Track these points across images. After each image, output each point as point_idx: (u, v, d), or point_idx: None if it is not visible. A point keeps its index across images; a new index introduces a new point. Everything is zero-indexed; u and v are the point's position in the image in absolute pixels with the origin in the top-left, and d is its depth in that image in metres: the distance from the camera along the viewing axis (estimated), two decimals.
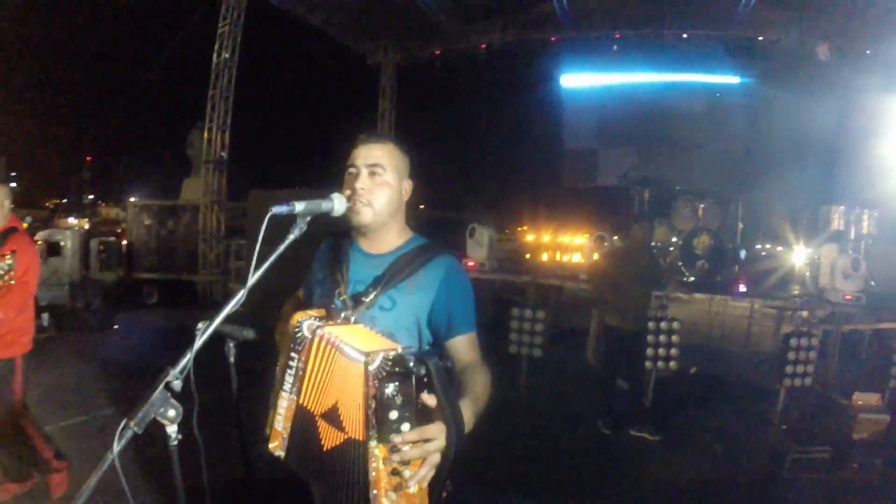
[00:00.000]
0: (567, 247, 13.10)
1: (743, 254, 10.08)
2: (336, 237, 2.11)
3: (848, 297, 7.23)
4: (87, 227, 18.15)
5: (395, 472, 1.45)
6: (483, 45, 15.05)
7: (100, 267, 13.01)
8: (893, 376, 6.39)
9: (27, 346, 3.79)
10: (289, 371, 1.68)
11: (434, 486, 1.52)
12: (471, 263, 8.58)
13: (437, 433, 1.45)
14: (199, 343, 1.44)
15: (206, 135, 13.18)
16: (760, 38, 12.93)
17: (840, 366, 7.54)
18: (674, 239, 8.79)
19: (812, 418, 6.28)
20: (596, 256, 8.35)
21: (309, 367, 1.63)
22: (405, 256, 1.97)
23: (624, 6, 13.23)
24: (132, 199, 17.26)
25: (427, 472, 1.46)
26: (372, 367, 1.45)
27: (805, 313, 7.16)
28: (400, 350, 1.49)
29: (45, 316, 9.49)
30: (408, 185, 2.06)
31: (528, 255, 13.78)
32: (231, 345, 1.86)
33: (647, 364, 6.49)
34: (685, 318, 7.36)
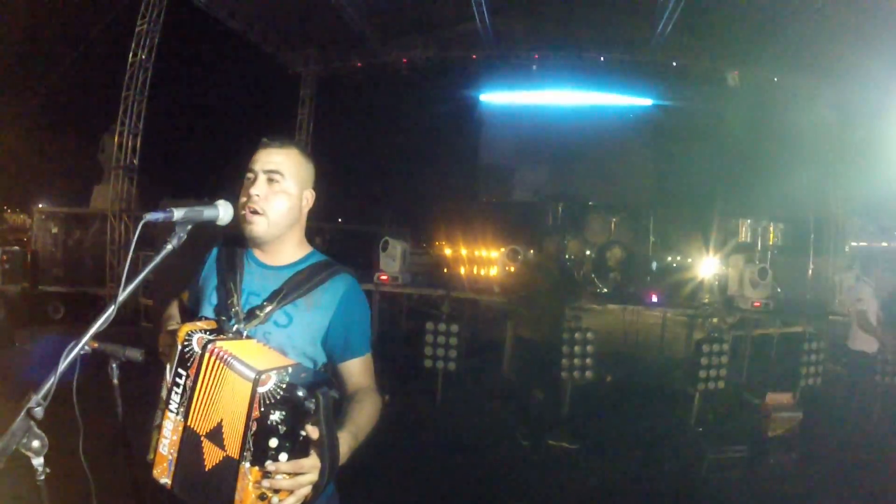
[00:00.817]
0: (484, 260, 13.21)
1: (654, 265, 10.41)
2: (229, 243, 1.98)
3: (757, 304, 7.60)
4: None
5: (262, 497, 1.41)
6: (405, 60, 15.05)
7: (2, 279, 12.23)
8: (803, 375, 6.76)
9: None
10: (175, 389, 1.55)
11: None
12: (384, 277, 8.51)
13: (311, 468, 1.43)
14: (63, 366, 1.33)
15: (116, 139, 12.57)
16: (674, 64, 13.47)
17: (752, 368, 7.89)
18: (587, 252, 9.01)
19: (727, 419, 6.54)
20: (510, 270, 8.43)
21: (198, 385, 1.51)
22: (304, 272, 1.88)
23: (545, 28, 13.46)
24: (39, 206, 16.28)
25: (295, 503, 1.43)
26: (261, 389, 1.40)
27: (716, 320, 7.47)
28: (291, 370, 1.45)
29: None
30: (309, 196, 1.95)
31: (445, 269, 13.83)
32: (114, 365, 1.75)
33: (563, 374, 6.60)
34: (600, 328, 7.54)
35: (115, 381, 1.75)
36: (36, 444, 1.24)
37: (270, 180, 1.83)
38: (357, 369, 1.89)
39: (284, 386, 1.39)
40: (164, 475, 1.55)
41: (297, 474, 1.40)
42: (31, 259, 13.07)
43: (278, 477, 1.39)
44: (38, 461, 1.26)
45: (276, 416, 1.38)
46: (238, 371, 1.45)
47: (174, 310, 2.10)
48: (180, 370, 1.54)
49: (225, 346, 1.52)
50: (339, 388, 1.82)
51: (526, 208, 15.40)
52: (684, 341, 9.07)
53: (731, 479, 5.31)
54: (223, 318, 1.74)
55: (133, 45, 12.34)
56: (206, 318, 1.79)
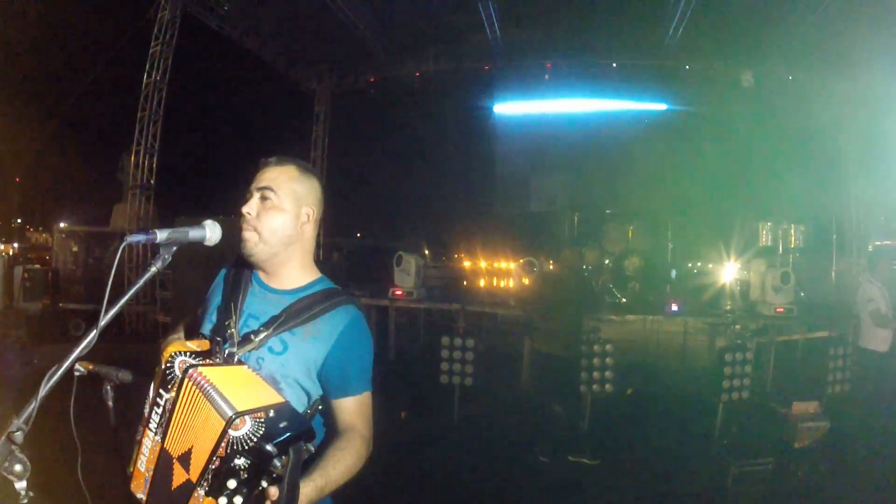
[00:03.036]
0: (502, 272, 13.13)
1: (674, 273, 10.24)
2: (239, 264, 1.92)
3: (780, 310, 7.42)
4: (11, 253, 17.32)
5: None
6: (417, 73, 15.11)
7: (24, 296, 12.36)
8: (829, 382, 6.58)
9: None
10: (156, 409, 1.52)
11: None
12: (398, 292, 8.47)
13: None
14: (44, 391, 1.29)
15: (133, 159, 12.69)
16: (687, 67, 13.36)
17: (776, 376, 7.70)
18: (605, 262, 8.88)
19: (752, 430, 6.36)
20: (526, 282, 8.33)
21: (176, 408, 1.47)
22: (306, 299, 1.82)
23: (556, 36, 13.45)
24: (60, 225, 16.50)
25: None
26: (233, 433, 1.36)
27: (738, 327, 7.29)
28: (273, 414, 1.42)
29: None
30: (310, 212, 1.86)
31: (464, 282, 13.77)
32: (108, 387, 1.71)
33: (582, 388, 6.48)
34: (619, 339, 7.40)
35: (110, 402, 1.72)
36: (18, 468, 1.22)
37: (263, 198, 1.79)
38: (351, 409, 1.79)
39: (255, 438, 1.35)
40: (139, 490, 1.53)
41: None
42: (52, 277, 13.22)
43: None
44: (20, 485, 1.23)
45: (240, 462, 1.35)
46: (215, 405, 1.40)
47: (181, 326, 2.04)
48: (161, 391, 1.51)
49: (206, 373, 1.47)
50: (328, 424, 1.81)
51: (542, 218, 15.32)
52: (706, 350, 8.93)
53: (758, 494, 5.15)
54: (218, 339, 1.70)
55: (147, 66, 12.49)
56: (202, 337, 1.77)
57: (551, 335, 5.94)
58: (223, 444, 1.35)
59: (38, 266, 13.81)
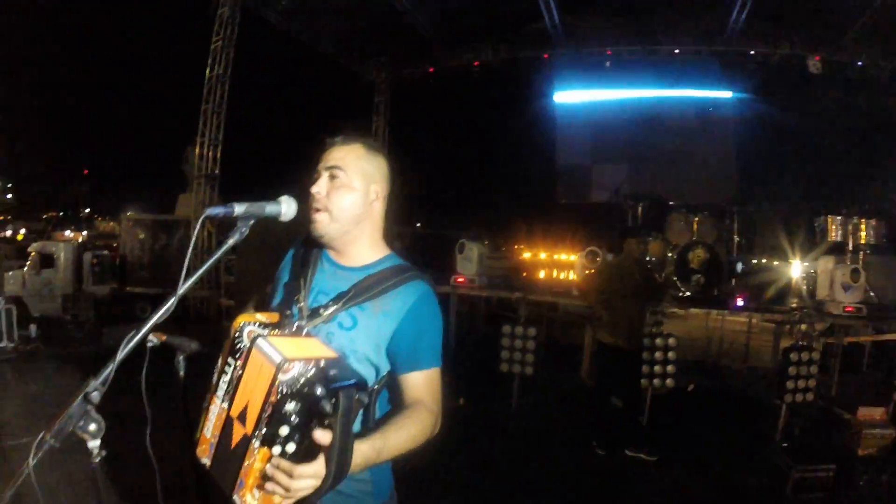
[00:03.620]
0: (562, 264, 12.99)
1: (739, 266, 9.92)
2: (308, 243, 1.91)
3: (848, 309, 7.10)
4: (81, 240, 18.14)
5: (265, 478, 1.38)
6: (476, 63, 15.03)
7: (93, 280, 12.90)
8: None
9: None
10: (224, 377, 1.54)
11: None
12: (460, 279, 8.45)
13: (312, 475, 1.36)
14: (122, 354, 1.32)
15: (197, 150, 13.05)
16: (752, 52, 12.89)
17: (842, 379, 7.40)
18: (669, 254, 8.66)
19: (814, 435, 6.13)
20: (589, 272, 8.19)
21: (245, 376, 1.48)
22: (376, 275, 1.80)
23: (616, 23, 13.21)
24: (127, 213, 17.14)
25: (294, 496, 1.38)
26: (282, 377, 1.35)
27: (804, 326, 7.00)
28: (323, 364, 1.40)
29: (33, 327, 9.51)
30: (378, 190, 1.86)
31: (524, 274, 13.68)
32: (180, 358, 1.76)
33: (643, 382, 6.34)
34: (681, 333, 7.22)
35: (181, 372, 1.77)
36: (92, 427, 1.25)
37: (332, 176, 1.79)
38: (419, 383, 1.75)
39: (303, 381, 1.36)
40: (205, 455, 1.54)
41: (296, 477, 1.35)
42: (119, 262, 13.73)
43: (277, 472, 1.35)
44: (93, 444, 1.27)
45: (290, 407, 1.36)
46: (266, 354, 1.42)
47: (250, 305, 2.07)
48: (230, 359, 1.53)
49: (273, 340, 1.48)
50: (396, 400, 1.78)
51: (605, 209, 15.07)
52: (770, 349, 8.65)
53: (818, 501, 4.94)
54: (287, 312, 1.73)
55: (209, 61, 12.85)
56: (270, 311, 1.76)
57: (614, 326, 5.81)
58: (274, 390, 1.36)
59: (106, 252, 14.37)
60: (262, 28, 13.65)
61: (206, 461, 1.53)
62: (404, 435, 1.62)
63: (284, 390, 1.35)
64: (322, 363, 1.42)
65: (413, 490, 1.91)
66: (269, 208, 1.60)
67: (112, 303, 12.53)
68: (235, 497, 1.41)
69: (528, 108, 17.74)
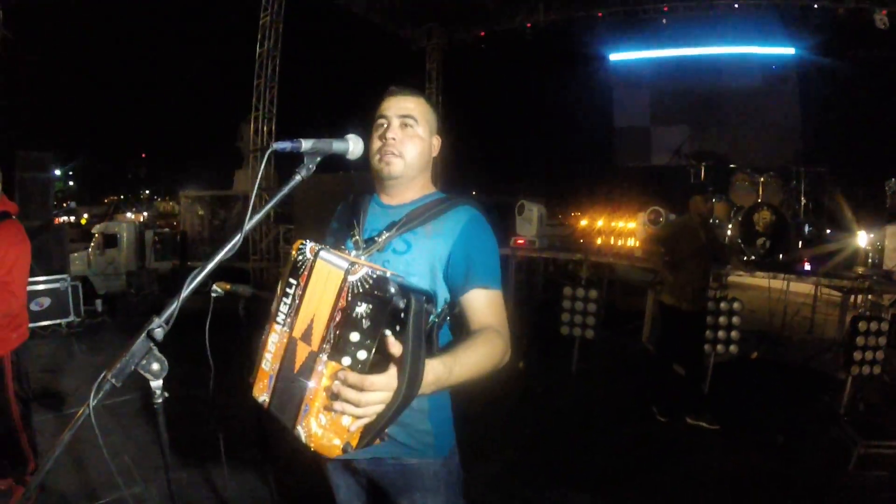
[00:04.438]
0: (620, 231, 12.75)
1: (806, 230, 9.51)
2: (356, 194, 2.03)
3: None
4: (142, 220, 18.81)
5: (333, 397, 1.31)
6: (528, 24, 14.68)
7: (155, 257, 13.35)
8: None
9: (15, 342, 3.49)
10: (284, 300, 1.51)
11: (369, 428, 1.35)
12: (520, 241, 8.37)
13: (384, 386, 1.29)
14: (186, 292, 1.30)
15: (252, 125, 13.19)
16: (815, 6, 12.20)
17: None
18: (732, 215, 8.36)
19: (880, 411, 5.86)
20: (651, 233, 7.98)
21: (307, 293, 1.45)
22: (426, 205, 1.87)
23: None
24: (186, 191, 17.61)
25: (364, 414, 1.31)
26: (351, 278, 1.33)
27: (872, 297, 6.64)
28: (390, 274, 1.33)
29: (99, 302, 10.04)
30: (437, 142, 1.97)
31: (581, 240, 13.50)
32: (243, 303, 1.86)
33: (707, 347, 6.18)
34: (745, 300, 6.97)
35: (242, 313, 1.88)
36: (155, 366, 1.25)
37: (404, 125, 1.86)
38: (481, 302, 1.71)
39: (375, 277, 1.32)
40: (263, 392, 1.51)
41: (367, 391, 1.29)
42: (180, 238, 14.11)
43: (345, 388, 1.28)
44: (156, 384, 1.26)
45: (361, 309, 1.30)
46: (332, 262, 1.42)
47: None
48: (291, 279, 1.51)
49: (336, 252, 1.49)
50: (461, 326, 1.75)
51: (665, 171, 14.68)
52: (835, 322, 8.33)
53: (883, 479, 4.71)
54: (342, 246, 1.83)
55: (259, 37, 12.94)
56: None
57: (678, 287, 5.61)
58: (343, 294, 1.33)
59: (166, 230, 14.84)
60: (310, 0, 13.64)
61: (265, 398, 1.49)
62: (474, 356, 1.56)
63: (356, 290, 1.31)
64: (389, 273, 1.36)
65: (471, 450, 1.89)
66: (337, 145, 1.61)
67: (174, 278, 12.91)
68: (299, 428, 1.36)
69: (584, 70, 17.32)
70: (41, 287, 8.17)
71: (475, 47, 16.07)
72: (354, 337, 1.29)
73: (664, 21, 13.64)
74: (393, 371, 1.29)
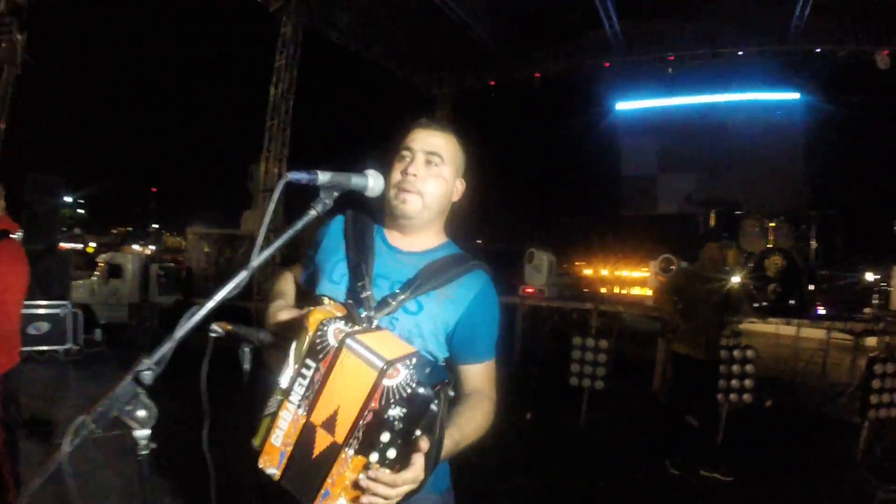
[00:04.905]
0: (626, 280, 12.66)
1: (818, 274, 9.42)
2: (357, 216, 1.85)
3: None
4: (148, 252, 18.76)
5: (356, 486, 1.30)
6: (537, 74, 14.96)
7: (159, 291, 13.27)
8: None
9: (5, 366, 3.32)
10: (300, 381, 1.40)
11: None
12: (529, 290, 8.28)
13: (412, 480, 1.30)
14: (181, 332, 1.21)
15: (262, 166, 13.24)
16: (818, 50, 12.38)
17: None
18: (743, 261, 8.30)
19: None
20: (663, 281, 7.92)
21: (329, 381, 1.36)
22: (439, 262, 1.75)
23: (675, 27, 12.99)
24: (193, 227, 17.65)
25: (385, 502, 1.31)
26: (388, 383, 1.27)
27: (888, 338, 6.54)
28: (415, 362, 1.33)
29: (98, 332, 10.01)
30: (460, 186, 1.84)
31: (585, 290, 13.41)
32: (247, 349, 1.60)
33: (720, 396, 6.05)
34: (757, 347, 6.87)
35: (247, 365, 1.62)
36: (142, 413, 1.13)
37: (429, 162, 1.73)
38: (480, 373, 1.76)
39: (413, 384, 1.28)
40: (271, 465, 1.41)
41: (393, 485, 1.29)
42: (185, 274, 14.05)
43: (373, 482, 1.27)
44: (141, 433, 1.14)
45: (395, 412, 1.27)
46: (363, 357, 1.32)
47: (286, 285, 1.94)
48: (309, 361, 1.39)
49: (362, 338, 1.37)
50: (454, 388, 1.68)
51: (673, 220, 14.68)
52: (847, 366, 8.24)
53: None
54: (351, 302, 1.61)
55: (273, 79, 13.08)
56: (332, 300, 1.61)
57: (692, 336, 5.51)
58: (377, 395, 1.27)
59: (172, 264, 14.82)
60: (325, 45, 13.88)
61: (275, 472, 1.41)
62: (474, 425, 1.62)
63: (392, 396, 1.27)
64: (414, 360, 1.35)
65: (474, 502, 1.82)
66: (356, 180, 1.53)
67: (177, 312, 12.83)
68: None
69: (591, 119, 17.45)
70: (41, 311, 8.15)
71: (485, 95, 16.25)
72: (385, 437, 1.27)
73: (669, 70, 13.79)
74: (420, 463, 1.30)
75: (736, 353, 6.21)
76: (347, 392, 1.32)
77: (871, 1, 10.65)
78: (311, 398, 1.36)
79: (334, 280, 1.73)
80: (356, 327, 1.44)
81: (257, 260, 1.33)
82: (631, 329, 10.85)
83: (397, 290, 1.66)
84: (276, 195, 1.39)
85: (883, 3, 10.63)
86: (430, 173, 1.72)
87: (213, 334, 1.47)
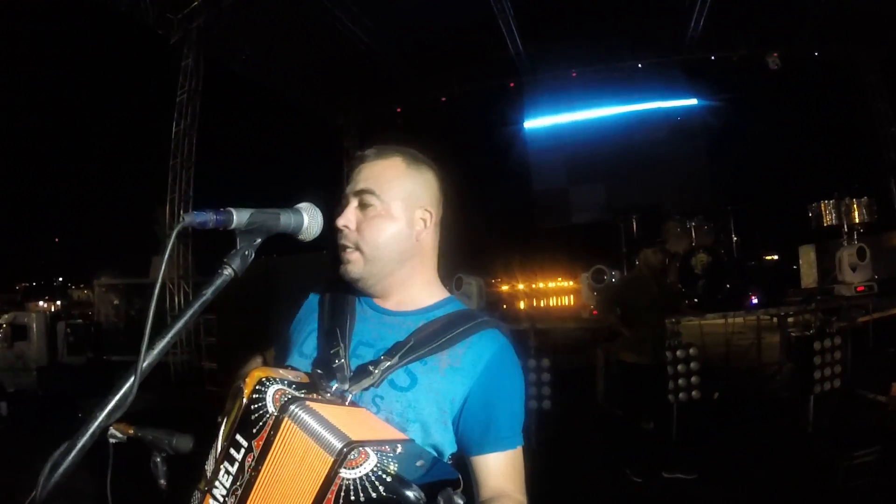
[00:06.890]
0: (548, 291, 12.74)
1: (745, 265, 9.79)
2: (336, 287, 1.45)
3: (860, 289, 7.03)
4: (54, 309, 17.64)
5: None
6: (443, 98, 15.11)
7: (68, 350, 12.40)
8: None
9: None
10: (227, 466, 1.03)
11: None
12: None
13: None
14: (65, 466, 0.88)
15: (168, 208, 12.57)
16: (712, 57, 13.14)
17: (869, 360, 7.19)
18: (668, 262, 8.50)
19: (846, 421, 5.90)
20: (596, 293, 7.98)
21: (266, 469, 0.99)
22: (440, 320, 1.35)
23: (578, 44, 13.33)
24: (99, 280, 16.74)
25: None
26: (348, 474, 0.91)
27: (820, 314, 6.85)
28: (402, 450, 0.98)
29: (4, 405, 9.02)
30: (427, 216, 1.42)
31: (504, 307, 13.43)
32: (158, 459, 1.24)
33: (670, 397, 6.09)
34: (694, 342, 6.99)
35: (162, 480, 1.24)
36: None
37: (363, 204, 1.34)
38: (500, 468, 1.32)
39: (392, 481, 0.90)
40: None
41: None
42: (94, 330, 13.27)
43: None
44: None
45: None
46: (314, 433, 0.96)
47: (257, 361, 1.56)
48: (239, 437, 1.02)
49: (316, 407, 1.03)
50: (469, 489, 1.26)
51: (590, 229, 14.97)
52: (782, 344, 8.47)
53: (869, 486, 4.68)
54: (320, 371, 1.21)
55: (175, 115, 12.49)
56: (294, 369, 1.27)
57: (637, 343, 5.51)
58: (331, 492, 0.91)
59: (80, 321, 13.98)
60: (228, 77, 13.51)
61: None
62: None
63: (353, 496, 0.90)
64: (399, 449, 0.99)
65: None
66: (286, 218, 1.15)
67: (89, 373, 12.01)
68: None
69: (500, 138, 17.68)
70: None
71: (392, 122, 16.21)
72: None
73: (573, 86, 14.17)
74: None
75: (679, 352, 6.30)
76: (290, 484, 0.97)
77: (761, 8, 11.25)
78: (241, 493, 1.00)
79: (304, 353, 1.38)
80: (313, 395, 1.10)
81: (148, 358, 0.94)
82: (563, 341, 10.88)
83: (382, 357, 1.26)
84: (168, 248, 1.06)
85: (772, 10, 11.28)
86: (366, 217, 1.34)
87: (113, 440, 1.15)
